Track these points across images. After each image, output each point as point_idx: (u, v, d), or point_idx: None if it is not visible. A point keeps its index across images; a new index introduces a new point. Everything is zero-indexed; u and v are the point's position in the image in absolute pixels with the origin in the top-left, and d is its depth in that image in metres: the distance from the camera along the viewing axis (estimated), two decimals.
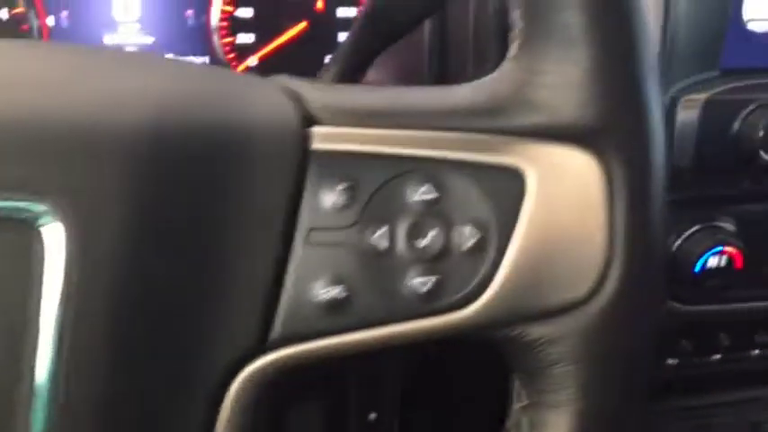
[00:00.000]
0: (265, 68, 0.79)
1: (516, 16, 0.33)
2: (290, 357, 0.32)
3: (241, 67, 0.79)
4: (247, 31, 0.79)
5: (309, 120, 0.33)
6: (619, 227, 0.33)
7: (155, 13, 0.75)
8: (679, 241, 0.68)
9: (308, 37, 0.80)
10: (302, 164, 0.32)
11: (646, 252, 0.33)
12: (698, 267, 0.67)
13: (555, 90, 0.32)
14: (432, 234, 0.32)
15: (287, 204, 0.31)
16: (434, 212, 0.32)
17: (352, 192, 0.32)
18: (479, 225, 0.33)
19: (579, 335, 0.33)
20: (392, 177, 0.32)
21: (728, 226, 0.69)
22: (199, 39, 0.77)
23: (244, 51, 0.79)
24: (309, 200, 0.32)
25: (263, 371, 0.32)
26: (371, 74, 0.79)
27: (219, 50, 0.78)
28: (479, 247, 0.32)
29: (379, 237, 0.32)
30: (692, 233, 0.68)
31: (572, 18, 0.32)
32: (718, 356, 0.76)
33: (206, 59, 0.78)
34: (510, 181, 0.33)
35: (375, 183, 0.32)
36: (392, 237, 0.32)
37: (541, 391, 0.34)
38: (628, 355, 0.34)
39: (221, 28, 0.77)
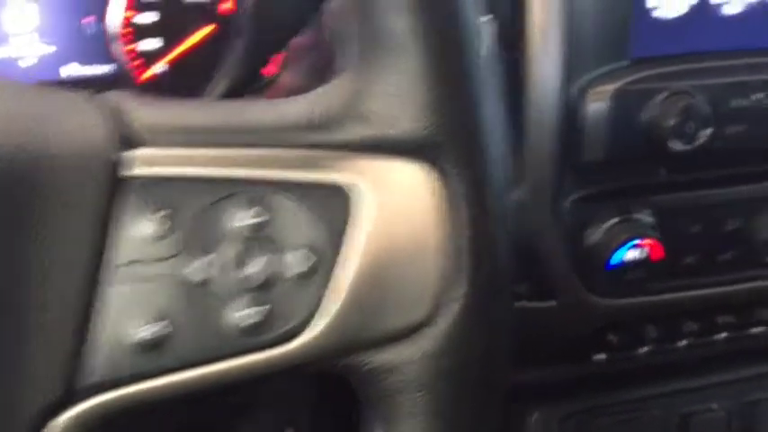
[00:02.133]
0: (174, 75, 0.77)
1: (348, 20, 0.31)
2: (105, 405, 0.29)
3: (147, 74, 0.76)
4: (151, 36, 0.76)
5: (130, 141, 0.30)
6: (458, 242, 0.31)
7: (51, 23, 0.72)
8: (595, 235, 0.67)
9: (218, 40, 0.77)
10: (115, 191, 0.29)
11: (490, 266, 0.31)
12: (614, 261, 0.66)
13: (387, 100, 0.30)
14: (258, 261, 0.30)
15: (96, 236, 0.29)
16: (261, 238, 0.30)
17: (170, 220, 0.29)
18: (310, 249, 0.30)
19: (424, 359, 0.31)
20: (215, 201, 0.30)
21: (646, 217, 0.68)
22: (101, 47, 0.74)
23: (149, 58, 0.76)
24: (124, 230, 0.29)
25: (75, 421, 0.29)
26: (285, 76, 0.77)
27: (123, 58, 0.75)
28: (310, 274, 0.30)
29: (201, 267, 0.30)
30: (609, 227, 0.67)
31: (398, 22, 0.29)
32: (645, 349, 0.74)
33: (110, 68, 0.75)
34: (342, 200, 0.30)
35: (195, 209, 0.30)
36: (215, 266, 0.30)
37: (389, 421, 0.32)
38: (478, 376, 0.32)
39: (123, 34, 0.74)
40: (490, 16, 0.62)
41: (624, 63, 0.66)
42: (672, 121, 0.63)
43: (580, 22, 0.63)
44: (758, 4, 0.68)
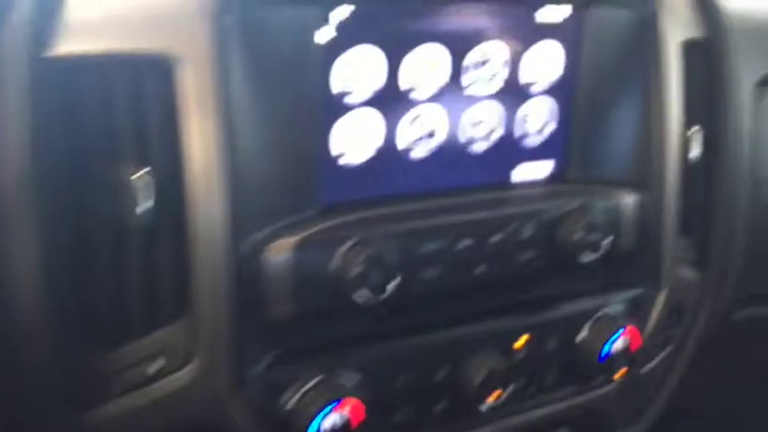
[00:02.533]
0: None
1: None
2: None
3: None
4: None
5: None
6: None
7: None
8: (293, 401, 0.60)
9: None
10: None
11: None
12: (312, 429, 0.59)
13: None
14: None
15: None
16: None
17: None
18: None
19: None
20: None
21: (349, 376, 0.63)
22: None
23: None
24: None
25: None
26: None
27: None
28: None
29: None
30: (308, 389, 0.61)
31: None
32: None
33: None
34: None
35: None
36: None
37: None
38: None
39: None
40: (146, 169, 0.55)
41: (310, 212, 0.62)
42: (357, 271, 0.59)
43: (255, 173, 0.58)
44: (444, 147, 0.69)
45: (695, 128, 0.76)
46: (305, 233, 0.60)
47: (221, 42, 0.54)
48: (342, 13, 0.60)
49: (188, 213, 0.54)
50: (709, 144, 0.78)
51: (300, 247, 0.59)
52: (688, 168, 0.77)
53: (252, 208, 0.58)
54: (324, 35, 0.60)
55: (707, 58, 0.77)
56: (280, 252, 0.58)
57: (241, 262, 0.56)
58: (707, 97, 0.78)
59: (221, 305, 0.55)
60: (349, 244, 0.60)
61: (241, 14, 0.55)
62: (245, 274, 0.57)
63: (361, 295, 0.59)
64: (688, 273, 0.81)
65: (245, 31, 0.56)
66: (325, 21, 0.60)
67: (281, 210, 0.60)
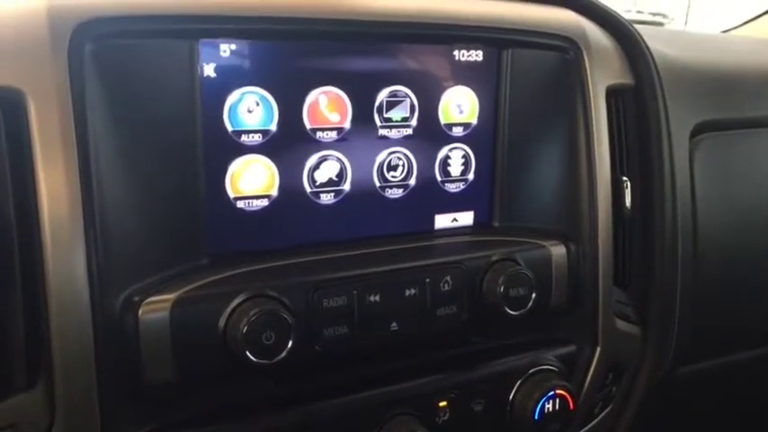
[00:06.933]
0: None
1: None
2: None
3: None
4: None
5: None
6: None
7: None
8: None
9: None
10: None
11: None
12: None
13: None
14: None
15: None
16: None
17: None
18: None
19: None
20: None
21: None
22: None
23: None
24: None
25: None
26: None
27: None
28: None
29: None
30: None
31: None
32: None
33: None
34: None
35: None
36: None
37: None
38: None
39: None
40: None
41: (194, 264, 0.56)
42: (247, 330, 0.52)
43: (127, 219, 0.52)
44: (355, 192, 0.63)
45: (625, 178, 0.72)
46: (186, 287, 0.53)
47: (74, 75, 0.48)
48: (223, 49, 0.55)
49: (43, 265, 0.48)
50: (644, 194, 0.74)
51: (181, 304, 0.52)
52: (623, 218, 0.72)
53: (124, 258, 0.51)
54: (211, 68, 0.55)
55: (639, 105, 0.73)
56: (157, 309, 0.52)
57: (110, 320, 0.50)
58: (640, 147, 0.74)
59: (83, 369, 0.48)
60: (238, 300, 0.54)
61: (101, 45, 0.50)
62: (116, 333, 0.50)
63: (254, 358, 0.52)
64: (627, 328, 0.75)
65: (109, 63, 0.50)
66: (212, 52, 0.55)
67: (161, 261, 0.54)
